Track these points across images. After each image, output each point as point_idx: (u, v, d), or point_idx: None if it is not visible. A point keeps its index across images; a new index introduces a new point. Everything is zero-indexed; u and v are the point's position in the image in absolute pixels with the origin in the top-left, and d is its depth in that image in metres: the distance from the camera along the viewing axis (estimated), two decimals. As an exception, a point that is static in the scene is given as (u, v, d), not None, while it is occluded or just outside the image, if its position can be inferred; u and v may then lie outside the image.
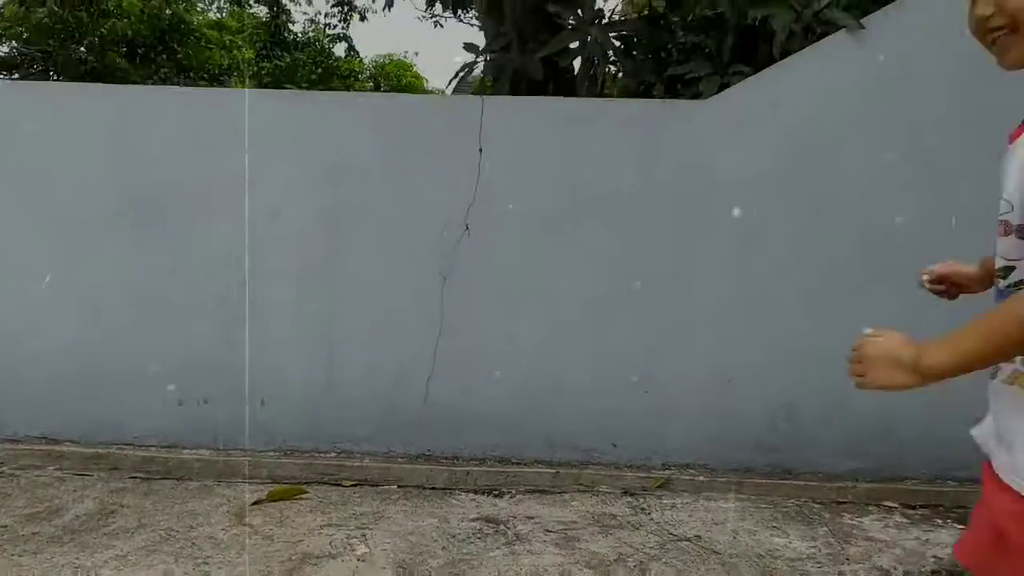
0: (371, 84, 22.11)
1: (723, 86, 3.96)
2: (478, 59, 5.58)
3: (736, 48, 4.05)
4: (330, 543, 2.90)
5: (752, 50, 4.10)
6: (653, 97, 4.60)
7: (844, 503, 3.54)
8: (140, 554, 2.75)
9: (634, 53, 4.87)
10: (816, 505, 3.51)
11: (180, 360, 3.95)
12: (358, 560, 2.75)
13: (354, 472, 3.72)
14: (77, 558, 2.69)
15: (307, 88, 15.44)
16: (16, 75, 14.17)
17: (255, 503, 3.31)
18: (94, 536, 2.90)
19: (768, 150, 3.81)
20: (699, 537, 3.08)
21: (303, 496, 3.44)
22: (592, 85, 5.05)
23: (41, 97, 4.14)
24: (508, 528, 3.11)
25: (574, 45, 4.84)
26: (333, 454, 3.88)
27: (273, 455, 3.84)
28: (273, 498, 3.38)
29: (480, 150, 3.93)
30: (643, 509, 3.39)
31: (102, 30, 12.88)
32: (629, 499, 3.52)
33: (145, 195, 3.96)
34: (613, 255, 3.89)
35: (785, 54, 3.85)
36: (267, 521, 3.12)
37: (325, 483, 3.63)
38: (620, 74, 4.92)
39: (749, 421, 3.84)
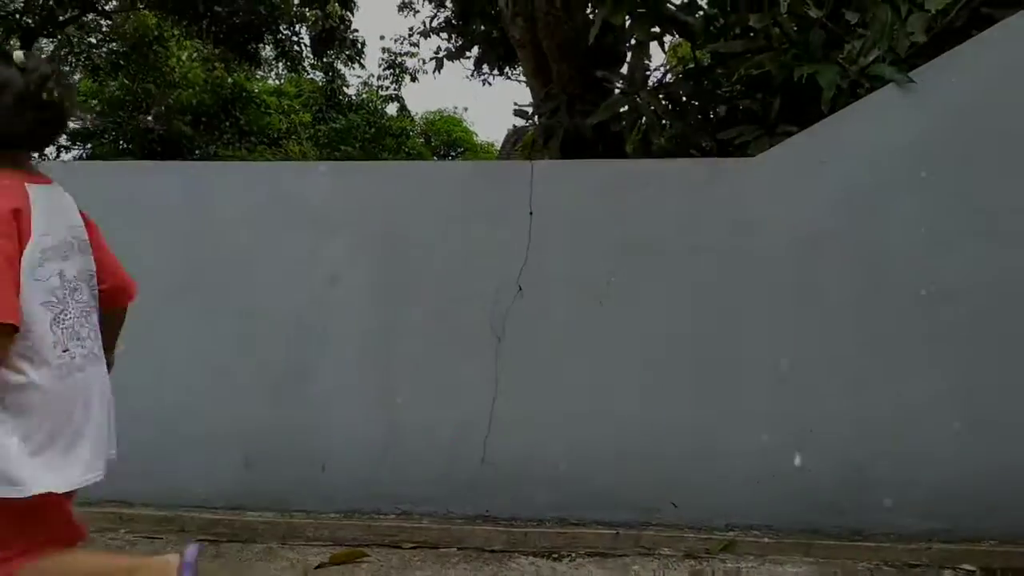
0: (421, 140, 22.73)
1: (771, 147, 4.00)
2: (528, 122, 5.74)
3: (783, 108, 4.09)
4: (392, 609, 2.93)
5: (799, 109, 4.13)
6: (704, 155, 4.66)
7: (918, 566, 3.42)
8: (210, 620, 2.81)
9: (686, 117, 4.95)
10: (888, 568, 3.40)
11: (244, 424, 4.07)
12: (421, 628, 2.77)
13: (413, 534, 3.76)
14: (150, 624, 2.76)
15: (361, 147, 16.00)
16: (89, 146, 15.06)
17: (318, 567, 3.37)
18: (165, 601, 2.97)
19: (818, 207, 3.81)
20: (766, 604, 3.01)
21: (365, 559, 3.48)
22: (643, 147, 5.14)
23: (112, 175, 4.42)
24: (569, 594, 3.09)
25: (623, 108, 4.96)
26: (393, 516, 3.92)
27: (334, 517, 3.90)
28: (335, 561, 3.43)
29: (531, 213, 4.03)
30: (706, 574, 3.33)
31: (169, 100, 13.64)
32: (692, 562, 3.46)
33: (210, 266, 4.15)
34: (667, 314, 3.91)
35: (833, 111, 3.88)
36: (331, 585, 3.16)
37: (386, 545, 3.67)
38: (669, 135, 5.00)
39: (816, 481, 3.76)
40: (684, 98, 5.13)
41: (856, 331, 3.77)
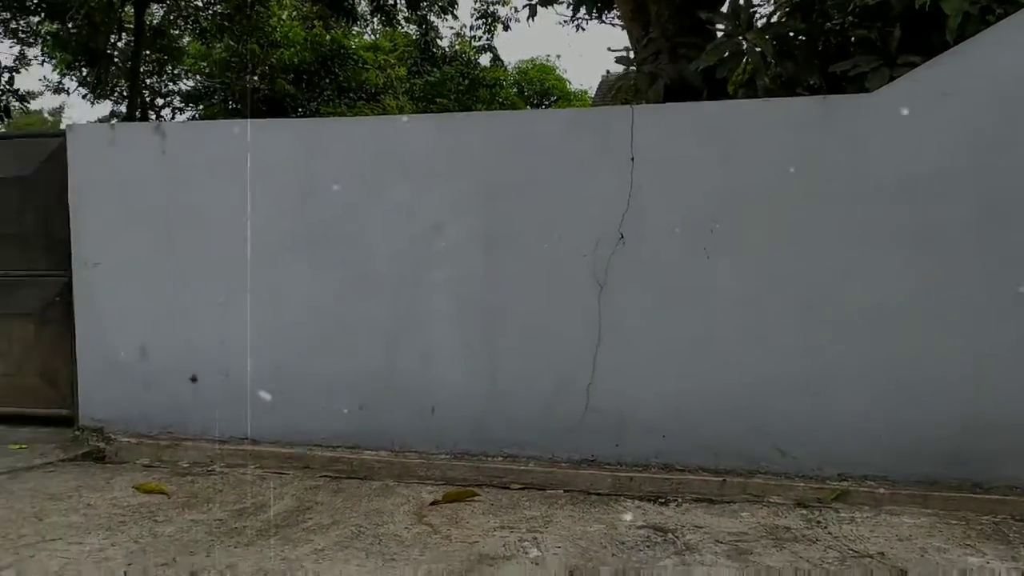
0: (515, 90, 22.58)
1: (892, 80, 3.76)
2: (628, 69, 5.59)
3: (904, 37, 3.82)
4: (504, 545, 3.05)
5: (922, 38, 3.86)
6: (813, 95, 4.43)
7: (1047, 521, 3.26)
8: (335, 549, 3.01)
9: (794, 55, 4.70)
10: (1017, 522, 3.26)
11: (358, 370, 4.27)
12: (532, 563, 2.87)
13: (520, 476, 3.87)
14: (282, 551, 2.99)
15: (455, 99, 16.05)
16: (201, 106, 15.77)
17: (432, 503, 3.53)
18: (295, 531, 3.21)
19: (940, 144, 3.58)
20: (883, 554, 2.95)
21: (475, 498, 3.62)
22: (748, 90, 4.94)
23: (227, 134, 4.62)
24: (677, 537, 3.13)
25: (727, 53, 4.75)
26: (500, 458, 4.04)
27: (444, 458, 4.06)
28: (448, 499, 3.59)
29: (632, 159, 3.97)
30: (819, 522, 3.29)
31: (272, 60, 14.05)
32: (803, 511, 3.42)
33: (321, 219, 4.32)
34: (774, 259, 3.80)
35: (960, 40, 3.60)
36: (444, 521, 3.31)
37: (494, 486, 3.80)
38: (774, 74, 4.76)
39: (934, 430, 3.62)
40: (792, 36, 4.86)
41: (979, 274, 3.56)
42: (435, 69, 16.33)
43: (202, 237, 4.46)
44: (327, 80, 14.65)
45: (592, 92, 19.75)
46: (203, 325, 4.45)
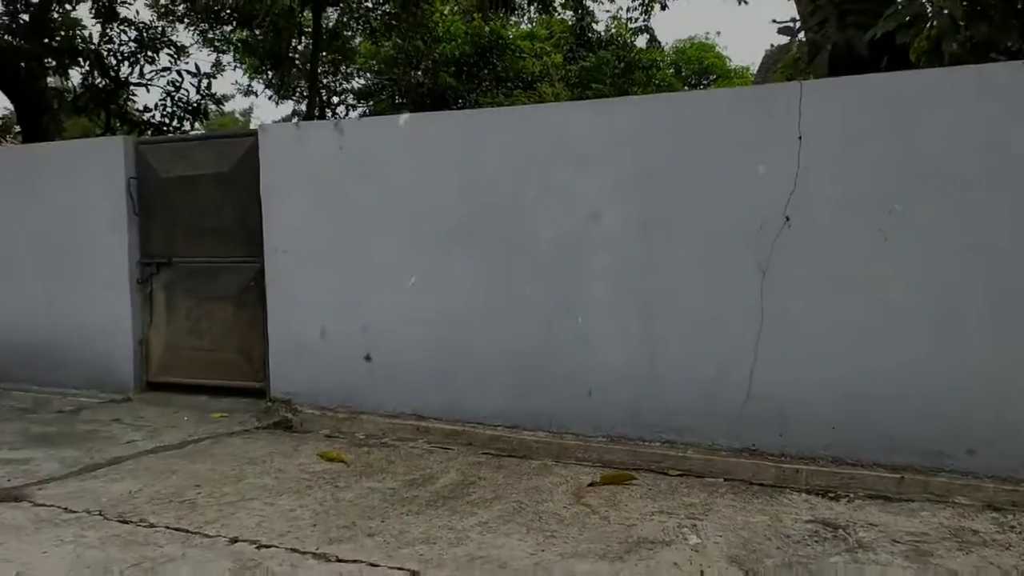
0: (671, 70, 22.02)
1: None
2: (793, 40, 5.30)
3: None
4: (663, 530, 3.04)
5: None
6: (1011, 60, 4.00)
7: None
8: (498, 523, 3.14)
9: (989, 15, 4.26)
10: None
11: (517, 352, 4.39)
12: (692, 550, 2.85)
13: (678, 462, 3.84)
14: (449, 521, 3.17)
15: (611, 83, 15.93)
16: (371, 102, 16.73)
17: (590, 485, 3.59)
18: (460, 503, 3.38)
19: None
20: (1088, 567, 2.66)
21: (632, 482, 3.63)
22: (933, 57, 4.53)
23: (395, 127, 4.90)
24: (848, 534, 2.98)
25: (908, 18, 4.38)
26: (657, 443, 4.02)
27: (601, 441, 4.10)
28: (605, 481, 3.63)
29: (799, 138, 3.79)
30: (1012, 527, 3.01)
31: (435, 54, 14.61)
32: (993, 514, 3.15)
33: (482, 206, 4.48)
34: (961, 243, 3.50)
35: None
36: (602, 503, 3.36)
37: (651, 471, 3.80)
38: (963, 38, 4.33)
39: None
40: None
41: None
42: (590, 54, 16.28)
43: (374, 225, 4.76)
44: (486, 71, 15.04)
45: (754, 69, 18.88)
46: (376, 307, 4.75)
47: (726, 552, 2.82)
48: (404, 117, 4.84)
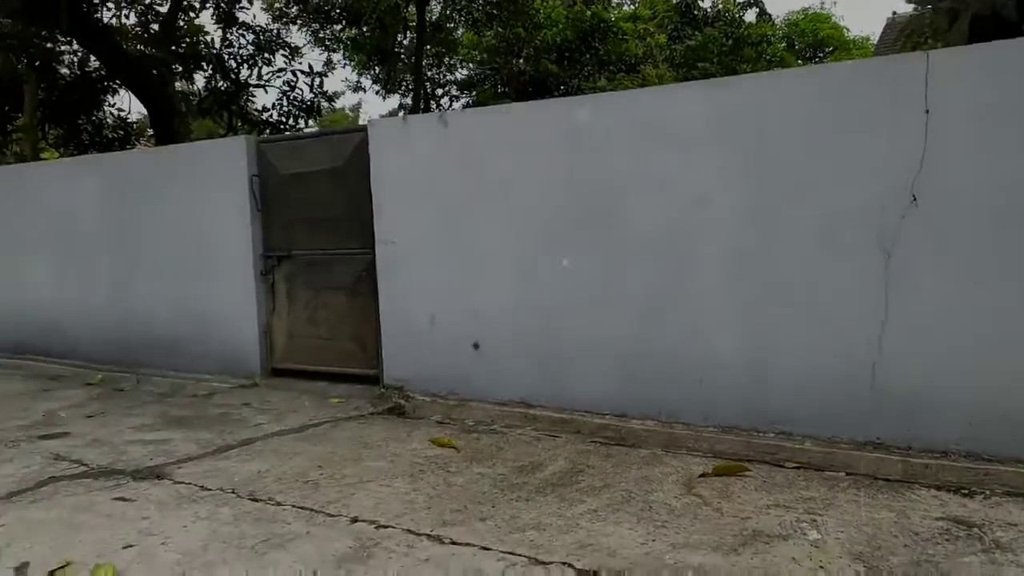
0: (783, 44, 21.10)
1: None
2: (919, 8, 4.96)
3: None
4: (779, 524, 2.95)
5: None
6: None
7: None
8: (607, 511, 3.14)
9: None
10: None
11: (625, 340, 4.36)
12: (811, 545, 2.75)
13: (795, 454, 3.70)
14: (558, 508, 3.19)
15: (718, 61, 15.43)
16: (474, 92, 16.93)
17: (701, 475, 3.52)
18: (569, 491, 3.39)
19: None
20: None
21: (746, 473, 3.54)
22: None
23: (497, 118, 4.93)
24: (984, 533, 2.80)
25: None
26: (772, 435, 3.90)
27: (713, 431, 4.01)
28: (718, 472, 3.55)
29: (927, 112, 3.55)
30: None
31: (536, 41, 14.60)
32: None
33: (586, 194, 4.44)
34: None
35: None
36: (714, 494, 3.29)
37: (766, 463, 3.68)
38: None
39: None
40: None
41: None
42: (696, 32, 15.81)
43: (480, 214, 4.83)
44: (587, 56, 14.90)
45: (875, 40, 17.78)
46: (483, 296, 4.83)
47: (848, 549, 2.71)
48: (506, 107, 4.89)
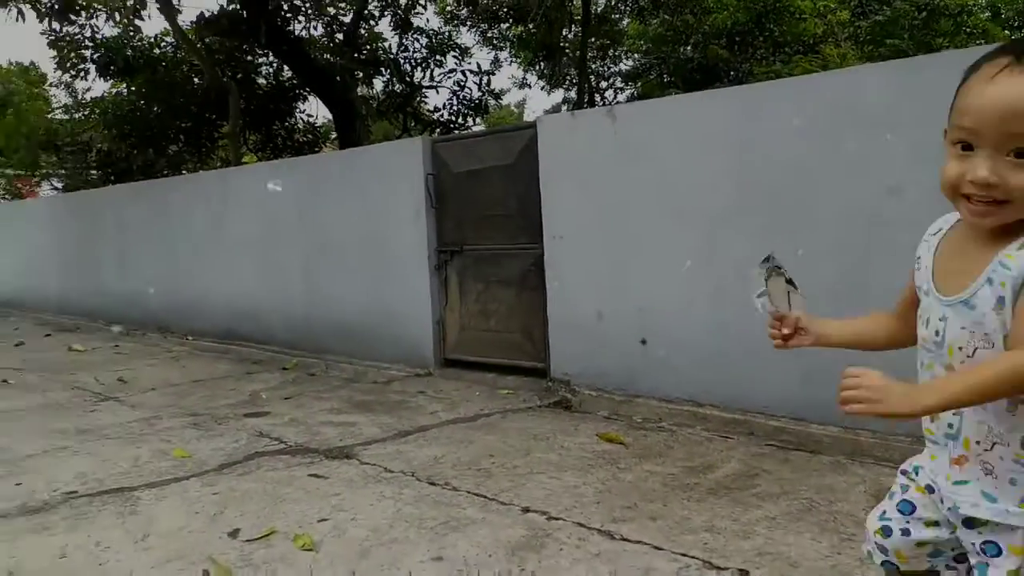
0: (987, 14, 19.02)
1: None
2: None
3: None
4: (984, 546, 2.69)
5: None
6: None
7: None
8: (786, 519, 3.00)
9: None
10: None
11: (805, 338, 4.13)
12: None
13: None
14: (732, 512, 3.09)
15: (909, 36, 14.17)
16: (639, 83, 16.69)
17: (891, 488, 3.28)
18: (743, 495, 3.28)
19: None
20: None
21: (943, 488, 3.25)
22: None
23: (667, 109, 4.83)
24: None
25: None
26: (974, 447, 3.55)
27: (904, 440, 3.72)
28: (910, 485, 3.29)
29: None
30: None
31: (705, 27, 14.13)
32: None
33: (763, 185, 4.25)
34: None
35: None
36: (906, 508, 3.05)
37: (967, 477, 3.36)
38: None
39: None
40: None
41: None
42: (884, 7, 14.59)
43: (648, 208, 4.76)
44: (760, 38, 14.21)
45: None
46: (650, 291, 4.77)
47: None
48: (675, 97, 4.78)
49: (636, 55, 17.97)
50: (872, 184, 3.88)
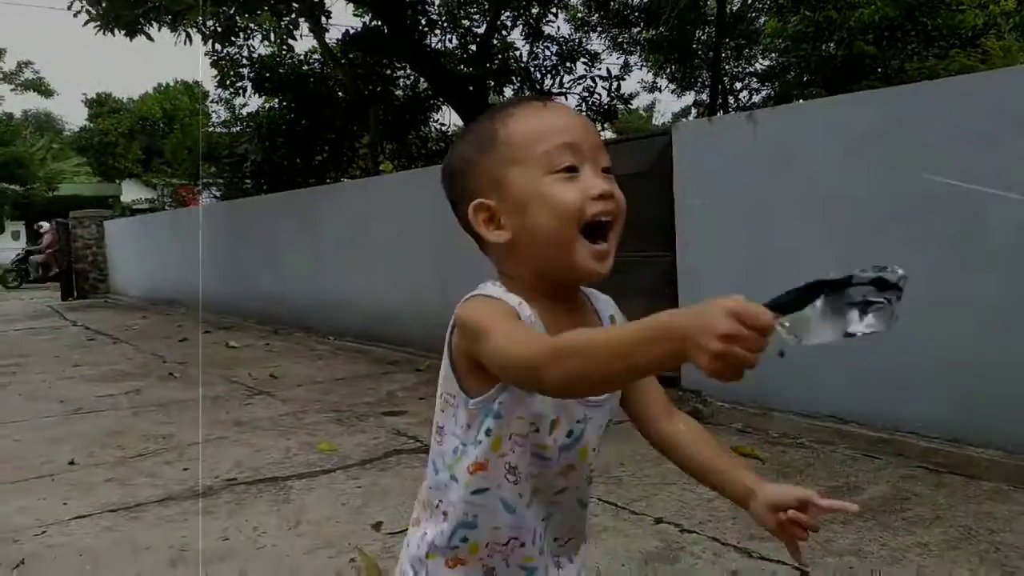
0: None
1: None
2: None
3: None
4: None
5: None
6: None
7: None
8: (941, 547, 2.81)
9: None
10: None
11: (962, 357, 3.85)
12: None
13: None
14: (881, 536, 2.93)
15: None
16: (776, 83, 16.08)
17: (1065, 521, 3.00)
18: (892, 519, 3.10)
19: None
20: None
21: None
22: None
23: (811, 113, 4.63)
24: None
25: None
26: None
27: (1079, 469, 3.39)
28: (1088, 520, 3.00)
29: None
30: None
31: (850, 23, 13.42)
32: None
33: (918, 192, 4.00)
34: None
35: None
36: (1083, 545, 2.78)
37: None
38: None
39: None
40: None
41: None
42: (1056, -8, 13.31)
43: (789, 216, 4.59)
44: (912, 32, 13.32)
45: None
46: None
47: None
48: (820, 101, 4.58)
49: (773, 54, 17.33)
50: (1044, 190, 3.57)
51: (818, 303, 0.83)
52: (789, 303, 0.83)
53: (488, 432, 1.09)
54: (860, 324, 0.82)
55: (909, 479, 3.57)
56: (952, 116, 3.89)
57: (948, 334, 3.89)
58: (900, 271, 0.84)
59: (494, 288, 1.12)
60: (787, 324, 0.83)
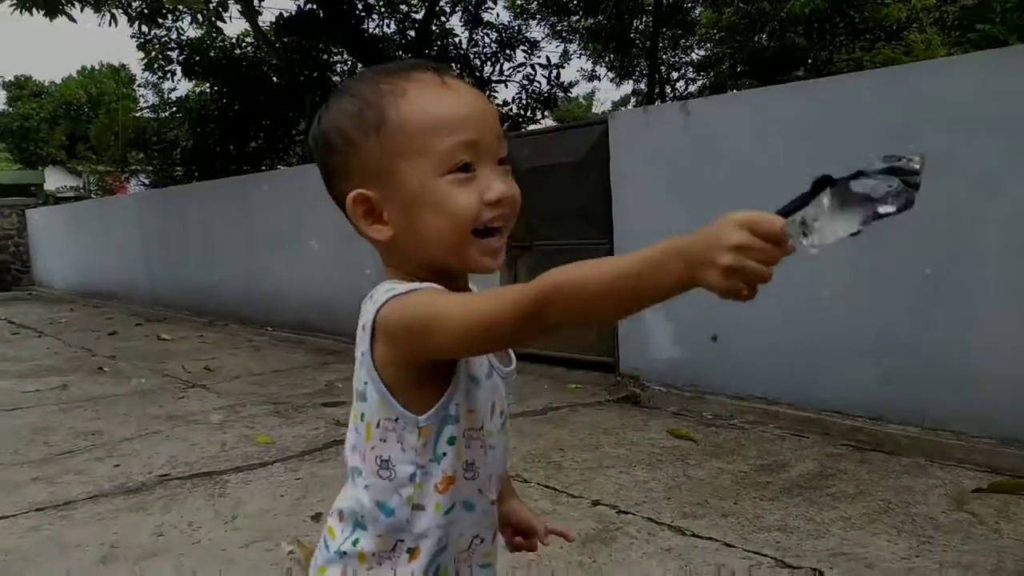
0: (1087, -7, 17.83)
1: None
2: None
3: None
4: (1075, 555, 2.60)
5: None
6: None
7: None
8: (862, 520, 2.95)
9: None
10: None
11: (883, 337, 4.03)
12: (1118, 583, 2.39)
13: (1097, 476, 3.21)
14: (807, 512, 3.06)
15: (1001, 20, 13.46)
16: (712, 73, 16.40)
17: (974, 491, 3.18)
18: (818, 495, 3.24)
19: None
20: None
21: (1031, 494, 3.14)
22: None
23: (741, 103, 4.75)
24: None
25: None
26: (1066, 452, 3.41)
27: (989, 443, 3.59)
28: (994, 489, 3.18)
29: None
30: None
31: (781, 14, 13.77)
32: None
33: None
34: None
35: None
36: (990, 512, 2.96)
37: (1058, 483, 3.23)
38: None
39: None
40: None
41: None
42: (973, -11, 13.90)
43: (721, 205, 4.68)
44: (840, 24, 13.76)
45: None
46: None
47: None
48: (751, 91, 4.69)
49: (708, 44, 17.65)
50: (961, 182, 3.74)
51: (825, 198, 0.78)
52: (800, 207, 0.80)
53: (452, 440, 1.02)
54: (872, 210, 0.77)
55: (834, 456, 3.73)
56: (874, 107, 4.05)
57: (871, 315, 4.07)
58: (917, 159, 0.77)
59: (400, 285, 1.00)
60: (799, 225, 0.78)
